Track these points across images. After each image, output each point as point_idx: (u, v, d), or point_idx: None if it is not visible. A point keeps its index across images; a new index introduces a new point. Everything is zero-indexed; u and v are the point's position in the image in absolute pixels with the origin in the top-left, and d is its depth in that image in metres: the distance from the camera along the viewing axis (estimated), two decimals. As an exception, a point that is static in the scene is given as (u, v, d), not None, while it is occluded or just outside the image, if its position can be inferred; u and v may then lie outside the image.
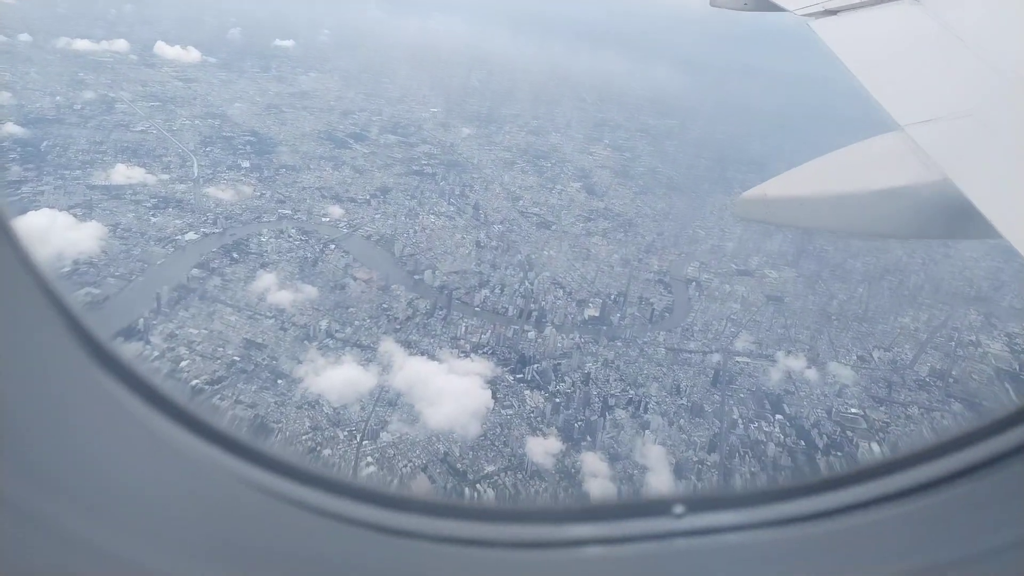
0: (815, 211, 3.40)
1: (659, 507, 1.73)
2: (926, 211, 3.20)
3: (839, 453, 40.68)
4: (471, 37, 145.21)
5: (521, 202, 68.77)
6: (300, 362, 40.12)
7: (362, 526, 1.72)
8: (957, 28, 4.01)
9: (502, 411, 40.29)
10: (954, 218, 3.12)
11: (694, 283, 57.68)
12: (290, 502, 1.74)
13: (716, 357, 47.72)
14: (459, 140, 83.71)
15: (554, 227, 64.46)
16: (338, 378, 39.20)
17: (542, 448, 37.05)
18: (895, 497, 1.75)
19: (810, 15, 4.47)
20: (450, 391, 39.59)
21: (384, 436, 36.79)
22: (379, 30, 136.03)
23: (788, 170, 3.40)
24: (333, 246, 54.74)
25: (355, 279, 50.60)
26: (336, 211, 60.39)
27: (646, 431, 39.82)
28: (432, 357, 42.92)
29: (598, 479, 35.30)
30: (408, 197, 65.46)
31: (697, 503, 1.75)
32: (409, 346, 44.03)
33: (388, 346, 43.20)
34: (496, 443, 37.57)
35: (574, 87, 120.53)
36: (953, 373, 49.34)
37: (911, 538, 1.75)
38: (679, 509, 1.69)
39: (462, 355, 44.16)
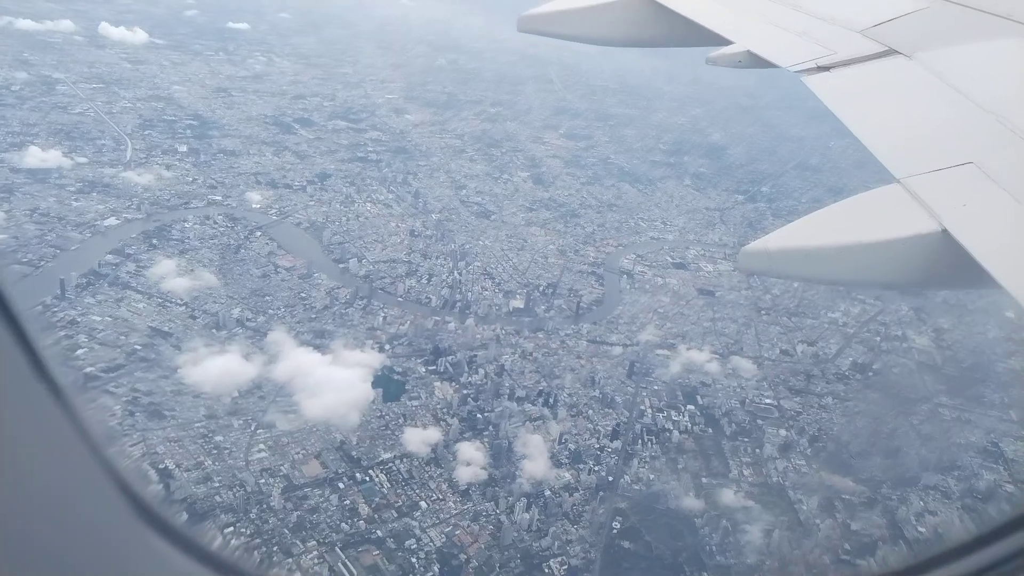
0: (817, 264, 3.46)
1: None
2: (926, 262, 3.25)
3: (746, 439, 40.85)
4: (444, 19, 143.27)
5: (464, 191, 68.24)
6: (204, 350, 39.64)
7: None
8: (951, 80, 4.13)
9: (409, 402, 40.11)
10: (954, 269, 3.18)
11: (627, 275, 57.35)
12: None
13: (636, 349, 47.57)
14: (411, 126, 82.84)
15: (494, 216, 64.00)
16: (240, 367, 38.85)
17: (438, 438, 36.90)
18: None
19: (803, 71, 4.58)
20: (354, 381, 39.36)
21: (282, 424, 36.51)
22: (348, 12, 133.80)
23: (789, 223, 3.59)
24: (260, 233, 54.15)
25: (277, 267, 50.08)
26: (269, 197, 59.73)
27: (551, 421, 39.72)
28: (342, 346, 42.53)
29: (473, 467, 35.29)
30: (347, 184, 64.81)
31: None
32: (321, 335, 43.63)
33: (296, 335, 42.80)
34: (395, 432, 37.38)
35: (543, 71, 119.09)
36: (875, 366, 49.49)
37: None
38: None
39: (375, 345, 43.81)
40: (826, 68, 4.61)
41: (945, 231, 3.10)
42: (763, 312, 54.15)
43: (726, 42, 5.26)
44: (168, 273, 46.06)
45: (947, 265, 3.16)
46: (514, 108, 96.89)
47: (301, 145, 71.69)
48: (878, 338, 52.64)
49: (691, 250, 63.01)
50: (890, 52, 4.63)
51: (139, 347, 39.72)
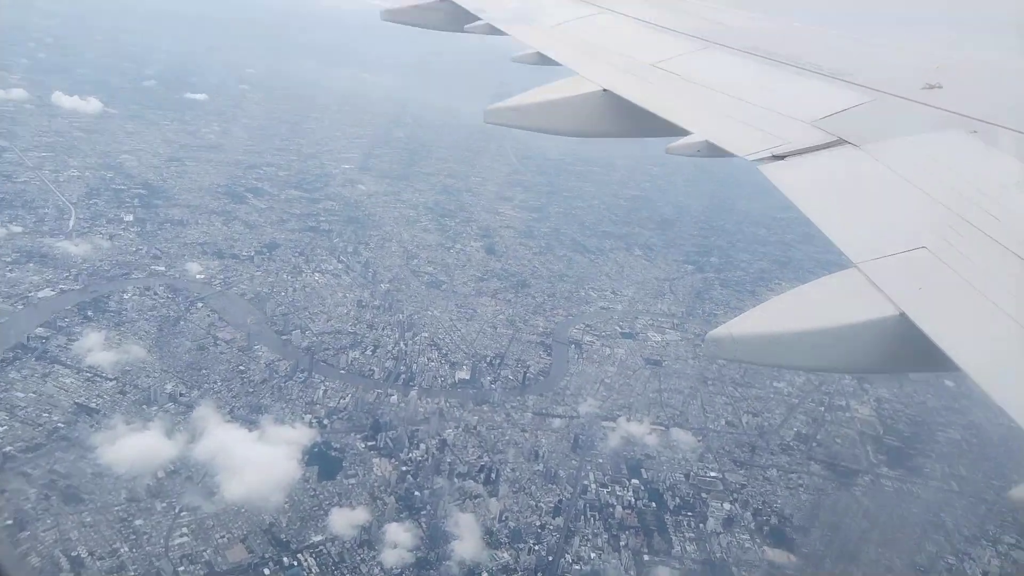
0: (781, 349, 3.50)
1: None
2: (886, 347, 3.33)
3: (690, 513, 40.31)
4: (403, 93, 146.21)
5: (415, 260, 68.31)
6: (129, 428, 38.18)
7: None
8: (899, 169, 4.37)
9: (345, 480, 38.94)
10: (913, 352, 3.27)
11: (576, 345, 57.40)
12: None
13: (582, 421, 47.18)
14: (365, 196, 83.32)
15: (444, 286, 63.97)
16: (165, 445, 37.43)
17: (372, 518, 35.69)
18: None
19: (759, 160, 4.83)
20: (287, 458, 38.17)
21: (207, 506, 35.04)
22: (308, 84, 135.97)
23: (751, 308, 3.68)
24: (201, 304, 53.21)
25: (217, 339, 49.06)
26: (214, 267, 58.92)
27: (491, 499, 38.82)
28: (277, 422, 41.40)
29: (402, 550, 34.12)
30: (296, 254, 64.44)
31: None
32: (257, 410, 42.47)
33: (231, 411, 41.61)
34: (328, 512, 36.11)
35: (498, 144, 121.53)
36: (818, 437, 49.68)
37: None
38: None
39: (313, 420, 42.75)
40: (780, 157, 4.84)
41: (903, 315, 3.19)
42: (709, 382, 54.34)
43: (685, 132, 5.49)
44: (100, 346, 44.68)
45: (906, 349, 3.25)
46: (469, 180, 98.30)
47: (252, 215, 71.38)
48: (822, 408, 53.04)
49: (640, 320, 63.45)
50: (840, 142, 4.88)
51: (62, 425, 38.14)
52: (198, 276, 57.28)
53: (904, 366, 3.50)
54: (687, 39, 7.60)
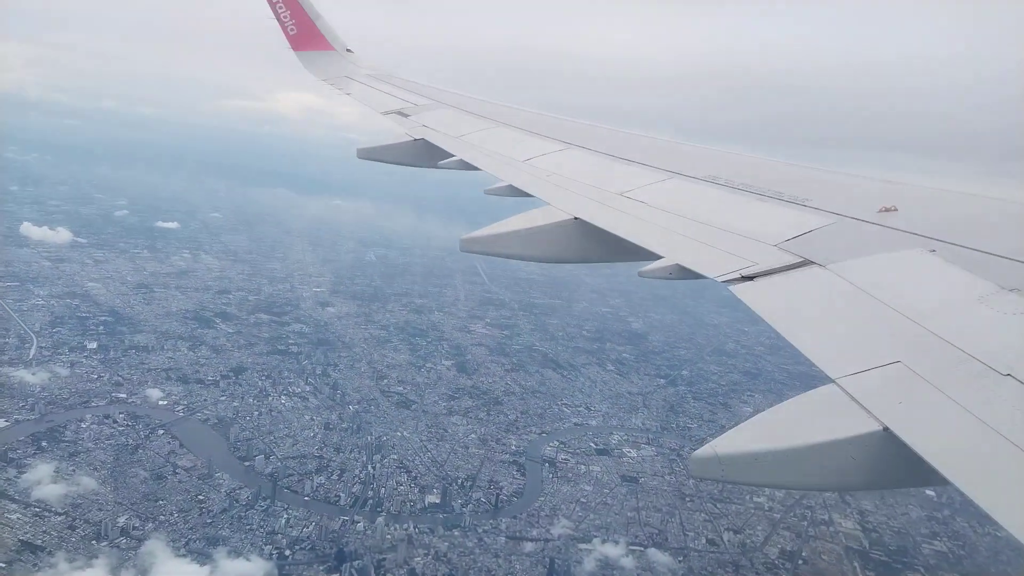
0: (766, 468, 3.44)
1: None
2: (872, 462, 3.31)
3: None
4: (376, 218, 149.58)
5: (385, 381, 67.37)
6: (73, 566, 35.79)
7: None
8: (865, 287, 4.49)
9: (307, 616, 36.49)
10: (899, 467, 3.26)
11: (550, 464, 56.02)
12: None
13: (557, 544, 45.30)
14: (336, 318, 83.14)
15: (414, 406, 62.83)
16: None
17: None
18: None
19: (730, 281, 4.98)
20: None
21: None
22: (280, 211, 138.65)
23: (732, 428, 3.61)
24: (162, 431, 51.46)
25: (176, 467, 47.10)
26: (178, 393, 57.49)
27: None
28: (235, 555, 39.12)
29: None
30: (263, 377, 63.30)
31: None
32: (214, 542, 40.22)
33: (186, 543, 39.29)
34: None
35: (470, 264, 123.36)
36: (803, 554, 48.09)
37: None
38: None
39: (274, 551, 40.50)
40: (750, 278, 4.97)
41: (887, 429, 3.21)
42: (687, 499, 52.95)
43: (656, 256, 5.68)
44: (50, 479, 42.62)
45: (892, 464, 3.27)
46: (441, 299, 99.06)
47: (219, 339, 70.59)
48: (804, 522, 51.66)
49: (614, 435, 62.48)
50: (806, 263, 5.02)
51: (2, 565, 35.64)
52: (160, 402, 55.75)
53: (892, 482, 3.50)
54: (651, 170, 7.95)
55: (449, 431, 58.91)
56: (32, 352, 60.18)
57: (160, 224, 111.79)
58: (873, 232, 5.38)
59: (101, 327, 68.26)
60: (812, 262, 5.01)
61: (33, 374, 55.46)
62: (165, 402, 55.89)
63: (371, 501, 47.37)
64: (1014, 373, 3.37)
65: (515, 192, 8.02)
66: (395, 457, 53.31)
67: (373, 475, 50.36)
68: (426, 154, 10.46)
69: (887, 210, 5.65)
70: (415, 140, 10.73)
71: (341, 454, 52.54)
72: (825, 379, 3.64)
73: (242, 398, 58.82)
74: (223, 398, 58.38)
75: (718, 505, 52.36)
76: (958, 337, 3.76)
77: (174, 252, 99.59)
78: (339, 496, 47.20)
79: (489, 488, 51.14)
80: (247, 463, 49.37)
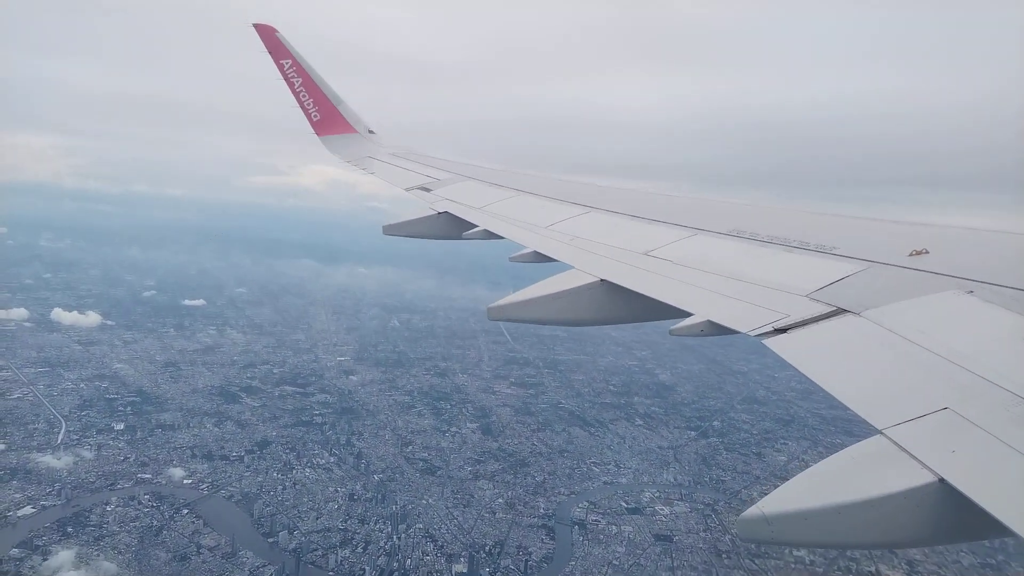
0: (818, 527, 3.30)
1: None
2: (928, 515, 3.19)
3: None
4: (398, 283, 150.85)
5: (410, 447, 66.76)
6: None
7: None
8: (903, 333, 4.42)
9: None
10: (957, 520, 3.15)
11: (579, 526, 54.59)
12: None
13: (590, 611, 43.75)
14: (359, 386, 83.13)
15: (440, 472, 62.00)
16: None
17: None
18: None
19: (762, 335, 4.89)
20: None
21: None
22: (305, 282, 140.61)
23: (779, 486, 3.51)
24: (187, 511, 51.23)
25: (200, 547, 46.67)
26: (203, 471, 57.46)
27: None
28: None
29: None
30: (287, 450, 63.11)
31: None
32: (237, 625, 39.47)
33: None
34: None
35: (493, 325, 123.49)
36: (849, 610, 45.84)
37: None
38: None
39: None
40: (783, 330, 4.88)
41: (942, 480, 3.09)
42: (723, 555, 51.09)
43: (685, 313, 5.62)
44: (71, 564, 42.42)
45: (950, 516, 3.15)
46: (464, 361, 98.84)
47: (244, 414, 70.82)
48: (851, 574, 49.44)
49: (646, 493, 60.93)
50: (839, 312, 4.95)
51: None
52: (186, 481, 55.67)
53: (950, 536, 3.37)
54: (674, 228, 7.99)
55: (475, 496, 57.91)
56: (60, 436, 60.81)
57: (187, 302, 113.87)
58: (906, 276, 5.29)
59: (128, 408, 68.93)
60: (846, 310, 4.93)
61: (59, 459, 55.88)
62: (189, 480, 55.83)
63: (396, 573, 46.35)
64: None
65: (539, 258, 8.11)
66: (420, 526, 52.38)
67: (398, 546, 49.41)
68: (450, 226, 10.70)
69: (918, 253, 5.57)
70: (439, 213, 10.97)
71: (366, 525, 51.76)
72: (870, 429, 3.56)
73: (266, 472, 58.56)
74: (247, 473, 58.17)
75: (756, 561, 50.43)
76: (1005, 379, 3.68)
77: (200, 329, 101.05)
78: (364, 569, 46.31)
79: (518, 554, 49.88)
80: (271, 539, 48.80)
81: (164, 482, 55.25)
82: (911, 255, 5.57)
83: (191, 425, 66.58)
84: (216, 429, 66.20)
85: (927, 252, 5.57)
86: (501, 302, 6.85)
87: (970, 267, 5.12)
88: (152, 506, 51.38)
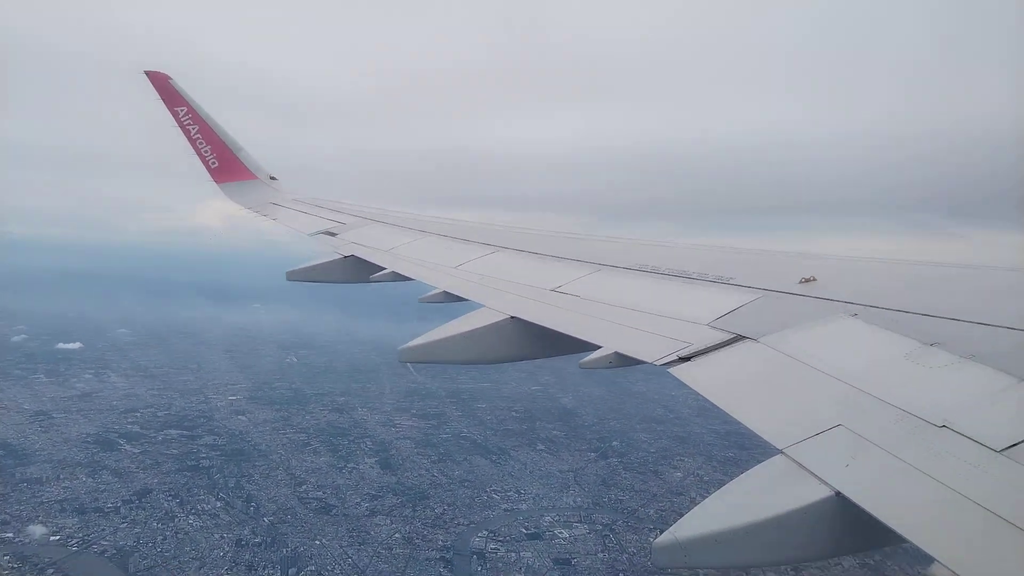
0: (729, 548, 3.22)
1: None
2: (829, 528, 3.20)
3: None
4: (297, 320, 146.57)
5: (304, 487, 64.19)
6: None
7: None
8: (798, 357, 4.58)
9: None
10: (856, 531, 3.25)
11: (478, 555, 53.69)
12: None
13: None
14: (252, 426, 79.60)
15: (335, 511, 59.81)
16: None
17: None
18: None
19: (668, 364, 5.04)
20: None
21: None
22: (193, 322, 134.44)
23: (691, 510, 3.49)
24: (52, 571, 47.18)
25: (64, 609, 43.01)
26: (72, 526, 53.22)
27: None
28: None
29: None
30: (169, 498, 59.42)
31: None
32: None
33: None
34: None
35: (395, 357, 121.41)
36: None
37: None
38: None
39: None
40: (687, 358, 5.07)
41: (839, 494, 3.25)
42: (621, 574, 51.31)
43: (593, 347, 5.76)
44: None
45: (849, 528, 3.28)
46: (365, 396, 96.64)
47: (123, 461, 66.37)
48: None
49: (546, 517, 60.73)
50: (739, 338, 5.17)
51: None
52: (52, 539, 51.39)
53: (851, 546, 3.49)
54: (580, 264, 8.24)
55: (371, 533, 56.10)
56: (-94, 499, 55.11)
57: (62, 345, 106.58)
58: (797, 303, 5.63)
59: (-11, 463, 63.34)
60: (744, 337, 5.19)
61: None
62: (56, 537, 51.56)
63: (285, 620, 44.08)
64: (949, 424, 3.52)
65: (449, 298, 8.16)
66: (312, 569, 50.18)
67: (288, 591, 47.11)
68: (357, 269, 10.74)
69: (807, 280, 5.96)
70: (345, 257, 10.94)
71: (254, 572, 49.12)
72: (772, 450, 3.70)
73: (145, 523, 54.80)
74: (123, 525, 54.26)
75: (656, 579, 50.82)
76: (892, 395, 3.93)
77: (76, 374, 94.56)
78: (249, 619, 43.80)
79: (413, 590, 48.46)
80: (147, 595, 45.54)
81: (27, 541, 50.78)
82: (801, 283, 5.95)
83: (61, 478, 61.77)
84: (90, 480, 61.68)
85: (815, 279, 5.95)
86: (412, 344, 6.85)
87: (854, 292, 5.50)
88: (12, 568, 47.03)
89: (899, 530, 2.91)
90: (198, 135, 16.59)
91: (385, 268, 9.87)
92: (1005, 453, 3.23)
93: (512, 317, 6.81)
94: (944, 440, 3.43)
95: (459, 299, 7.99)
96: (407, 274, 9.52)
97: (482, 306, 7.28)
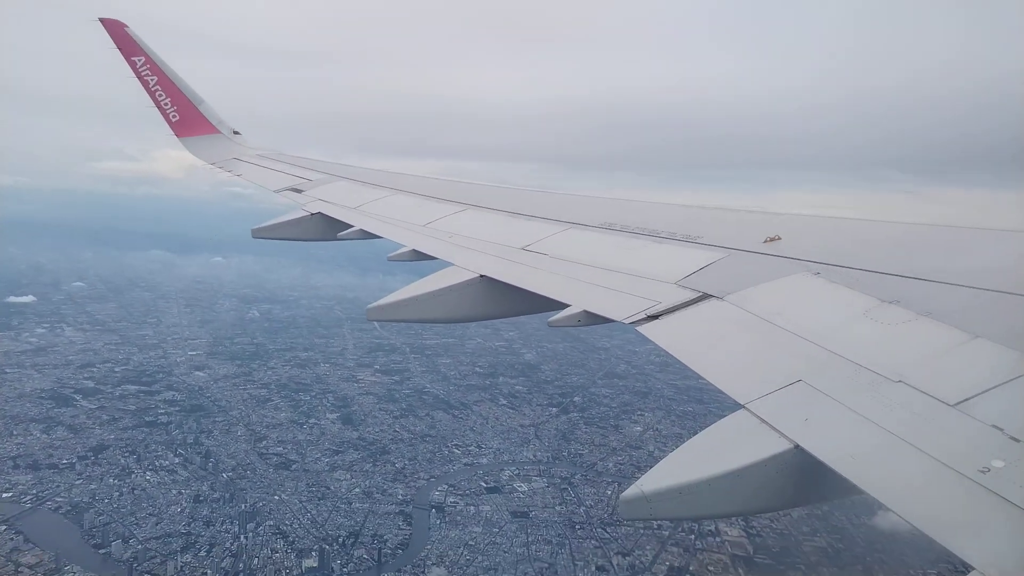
0: (692, 500, 3.36)
1: None
2: (789, 480, 3.41)
3: None
4: (258, 273, 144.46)
5: (264, 442, 64.11)
6: None
7: None
8: (760, 314, 4.64)
9: None
10: (813, 482, 3.40)
11: (438, 509, 54.42)
12: None
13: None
14: (212, 382, 78.95)
15: (295, 466, 59.93)
16: None
17: None
18: None
19: (636, 322, 5.08)
20: None
21: None
22: (153, 274, 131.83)
23: (656, 465, 3.54)
24: (4, 527, 46.77)
25: (18, 566, 42.77)
26: (26, 482, 52.65)
27: None
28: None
29: None
30: (126, 454, 58.94)
31: None
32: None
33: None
34: None
35: (359, 311, 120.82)
36: (691, 568, 48.29)
37: None
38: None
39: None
40: (655, 316, 5.12)
41: (798, 447, 3.35)
42: (577, 527, 52.48)
43: (563, 305, 5.77)
44: None
45: (807, 479, 3.38)
46: (327, 351, 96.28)
47: (79, 417, 65.52)
48: (692, 536, 52.02)
49: (505, 471, 61.58)
50: (705, 297, 5.26)
51: None
52: (4, 495, 50.82)
53: (810, 497, 3.65)
54: (549, 223, 8.24)
55: (331, 488, 56.41)
56: None
57: (13, 299, 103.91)
58: (762, 261, 5.73)
59: (-62, 419, 62.09)
60: (710, 295, 5.28)
61: None
62: (9, 494, 51.01)
63: (242, 574, 44.40)
64: (904, 379, 3.65)
65: (418, 256, 8.11)
66: (271, 523, 50.43)
67: (245, 546, 47.35)
68: (324, 227, 10.61)
69: (772, 240, 6.05)
70: (312, 215, 10.77)
71: (211, 528, 49.22)
72: (731, 404, 3.82)
73: (101, 479, 54.43)
74: (79, 482, 53.83)
75: (608, 530, 52.14)
76: (851, 351, 4.04)
77: (29, 328, 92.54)
78: (205, 573, 44.00)
79: (372, 543, 49.05)
80: (103, 551, 45.40)
81: (-22, 498, 50.20)
82: (765, 242, 6.05)
83: (14, 434, 60.86)
84: (44, 436, 60.84)
85: (780, 239, 6.05)
86: (380, 302, 6.82)
87: (817, 251, 5.61)
88: (-38, 525, 46.55)
89: (855, 481, 3.00)
90: (157, 87, 16.00)
91: (353, 226, 9.77)
92: (958, 407, 3.33)
93: (482, 276, 6.83)
94: (900, 394, 3.53)
95: (428, 257, 8.00)
96: (375, 232, 9.45)
97: (451, 264, 7.28)
